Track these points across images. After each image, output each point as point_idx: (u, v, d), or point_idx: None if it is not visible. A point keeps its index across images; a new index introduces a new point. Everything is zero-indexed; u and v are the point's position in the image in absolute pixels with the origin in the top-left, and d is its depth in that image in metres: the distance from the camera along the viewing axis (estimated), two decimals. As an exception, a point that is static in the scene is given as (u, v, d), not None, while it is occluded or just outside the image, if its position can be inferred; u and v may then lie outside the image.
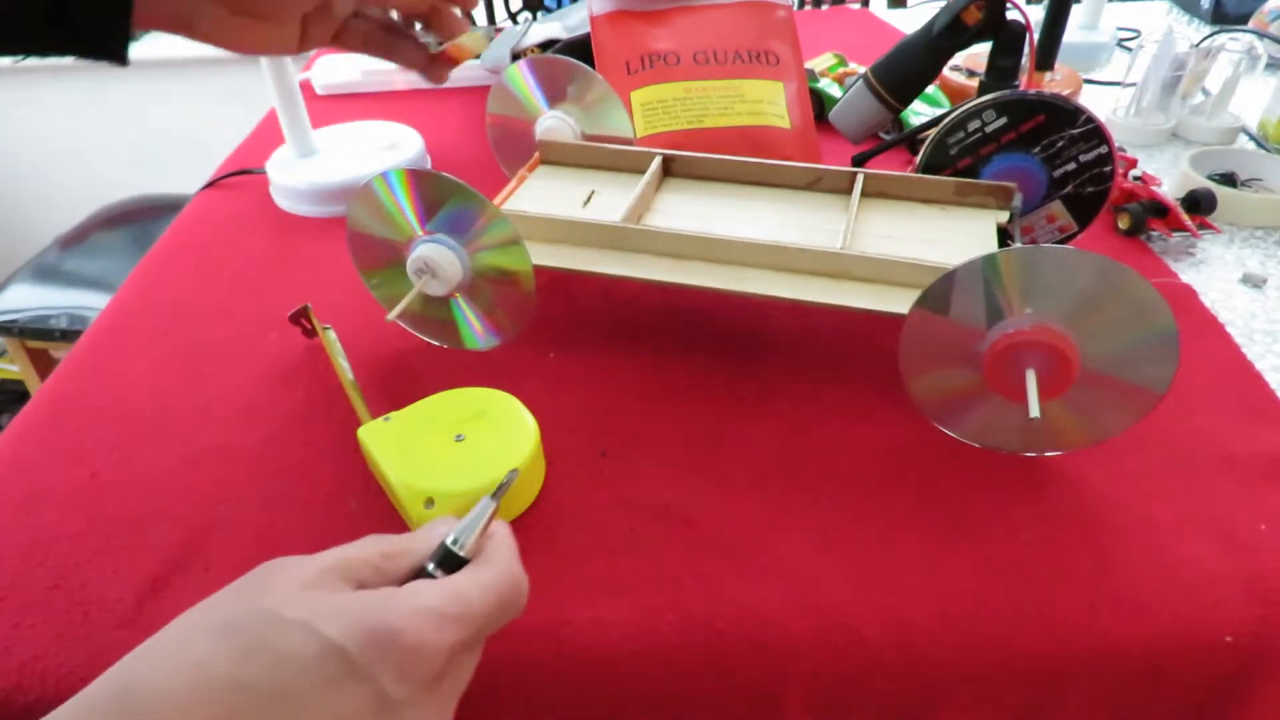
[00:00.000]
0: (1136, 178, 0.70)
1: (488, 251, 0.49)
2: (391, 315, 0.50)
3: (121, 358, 0.57)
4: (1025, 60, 0.66)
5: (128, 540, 0.44)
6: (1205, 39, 0.88)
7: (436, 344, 0.56)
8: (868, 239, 0.53)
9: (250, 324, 0.59)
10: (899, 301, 0.46)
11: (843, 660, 0.39)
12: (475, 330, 0.54)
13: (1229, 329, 0.57)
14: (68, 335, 1.20)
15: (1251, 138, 0.83)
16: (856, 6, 1.41)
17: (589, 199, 0.59)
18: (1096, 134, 0.53)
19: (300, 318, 0.56)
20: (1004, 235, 0.53)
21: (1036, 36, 0.69)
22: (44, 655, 0.39)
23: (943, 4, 0.65)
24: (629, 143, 0.64)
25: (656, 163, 0.59)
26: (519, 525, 0.44)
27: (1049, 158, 0.55)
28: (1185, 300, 0.60)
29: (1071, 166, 0.55)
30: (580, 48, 0.80)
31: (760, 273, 0.50)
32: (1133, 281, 0.39)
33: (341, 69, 1.02)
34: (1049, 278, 0.40)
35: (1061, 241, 0.58)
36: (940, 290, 0.42)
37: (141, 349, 0.58)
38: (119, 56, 0.39)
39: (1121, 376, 0.42)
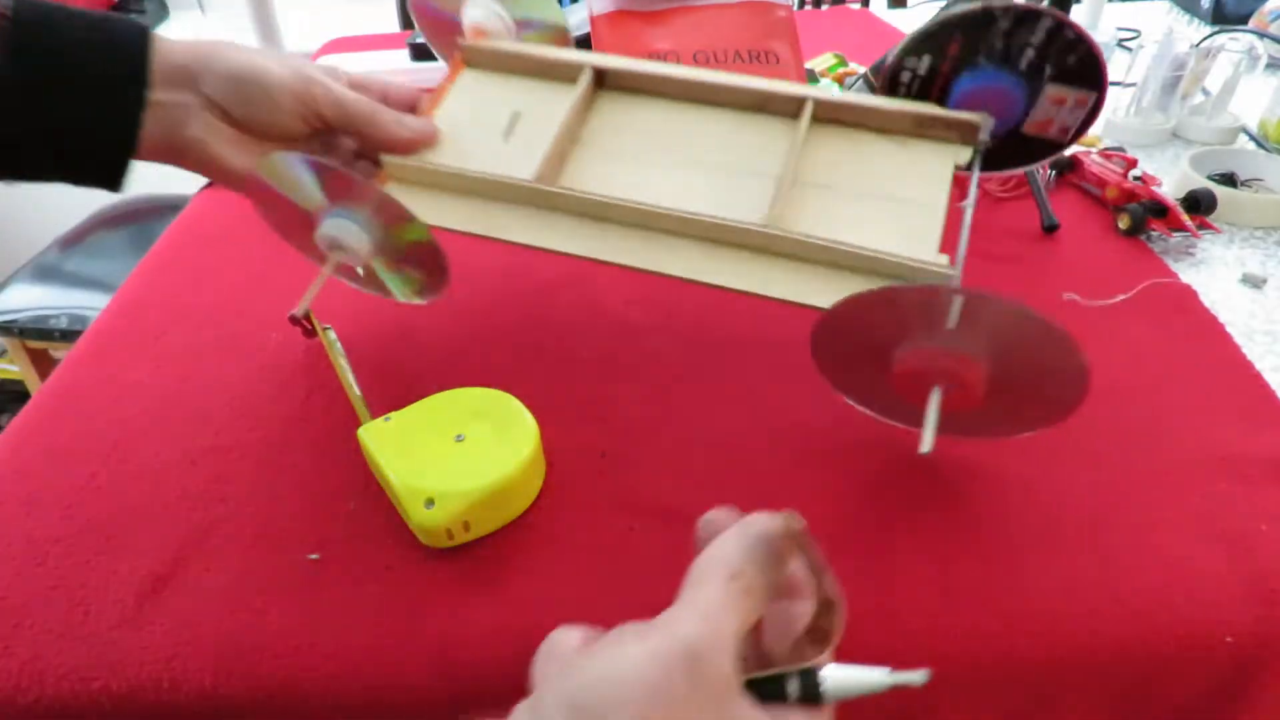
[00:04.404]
0: (1136, 177, 0.70)
1: (386, 227, 0.48)
2: (303, 305, 0.49)
3: (121, 358, 0.57)
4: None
5: (128, 540, 0.44)
6: (1205, 39, 0.88)
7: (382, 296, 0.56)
8: (807, 190, 0.47)
9: (250, 324, 0.59)
10: (822, 289, 0.43)
11: (843, 660, 0.39)
12: (401, 290, 0.54)
13: (1229, 329, 0.57)
14: (68, 335, 1.20)
15: (1251, 138, 0.83)
16: (856, 6, 1.41)
17: (512, 126, 0.52)
18: (1028, 16, 0.46)
19: (300, 318, 0.56)
20: (976, 157, 0.49)
21: (1036, 36, 0.69)
22: (44, 655, 0.39)
23: (943, 4, 0.65)
24: (564, 37, 0.60)
25: (586, 80, 0.52)
26: (519, 525, 0.44)
27: (1001, 59, 0.48)
28: (1185, 300, 0.60)
29: (1031, 54, 0.48)
30: (580, 47, 0.80)
31: (681, 245, 0.46)
32: (1040, 327, 0.36)
33: (342, 69, 1.01)
34: (955, 315, 0.38)
35: (1089, 112, 0.49)
36: (850, 308, 0.40)
37: (141, 349, 0.58)
38: (115, 187, 0.45)
39: (1031, 399, 0.41)
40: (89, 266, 1.31)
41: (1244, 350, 0.55)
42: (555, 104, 0.52)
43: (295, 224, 0.50)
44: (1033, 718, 0.41)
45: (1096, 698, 0.40)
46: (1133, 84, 0.86)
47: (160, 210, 1.42)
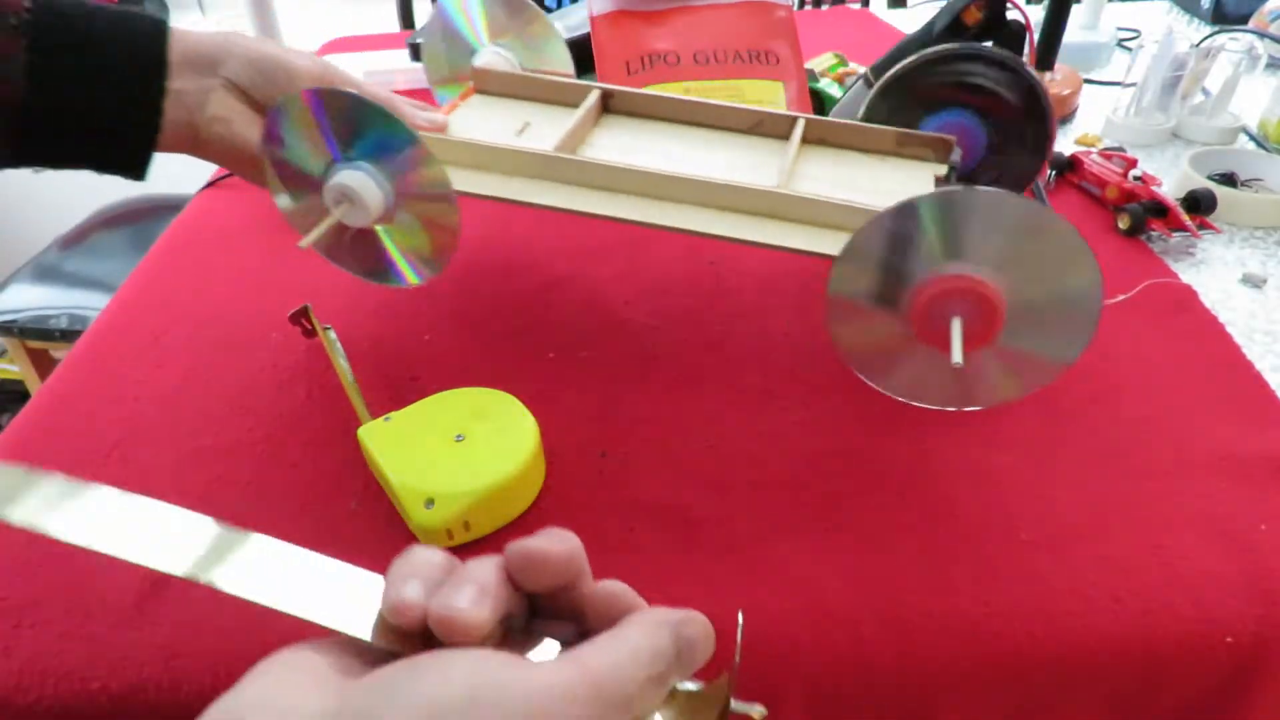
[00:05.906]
0: (1136, 178, 0.70)
1: (412, 181, 0.48)
2: (305, 242, 0.47)
3: (121, 358, 0.57)
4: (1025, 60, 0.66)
5: (128, 540, 0.44)
6: (1205, 39, 0.88)
7: (360, 277, 0.55)
8: (804, 182, 0.51)
9: (250, 324, 0.59)
10: (833, 244, 0.45)
11: (843, 660, 0.39)
12: (402, 265, 0.53)
13: (1229, 329, 0.57)
14: (68, 335, 1.20)
15: (1251, 138, 0.83)
16: (856, 6, 1.41)
17: (522, 130, 0.56)
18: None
19: (300, 318, 0.56)
20: None
21: (1036, 36, 0.69)
22: (44, 655, 0.39)
23: (943, 4, 0.65)
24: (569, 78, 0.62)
25: (594, 96, 0.56)
26: (519, 525, 0.44)
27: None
28: (1185, 300, 0.60)
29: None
30: (580, 47, 0.80)
31: (694, 210, 0.48)
32: (1055, 225, 0.39)
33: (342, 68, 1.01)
34: (974, 222, 0.40)
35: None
36: (869, 235, 0.42)
37: (141, 349, 0.58)
38: (139, 174, 0.47)
39: (1048, 320, 0.42)
40: (89, 266, 1.31)
41: (1244, 350, 0.55)
42: (563, 120, 0.54)
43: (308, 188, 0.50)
44: (1033, 718, 0.41)
45: (1096, 698, 0.40)
46: (1133, 84, 0.86)
47: (160, 210, 1.42)
